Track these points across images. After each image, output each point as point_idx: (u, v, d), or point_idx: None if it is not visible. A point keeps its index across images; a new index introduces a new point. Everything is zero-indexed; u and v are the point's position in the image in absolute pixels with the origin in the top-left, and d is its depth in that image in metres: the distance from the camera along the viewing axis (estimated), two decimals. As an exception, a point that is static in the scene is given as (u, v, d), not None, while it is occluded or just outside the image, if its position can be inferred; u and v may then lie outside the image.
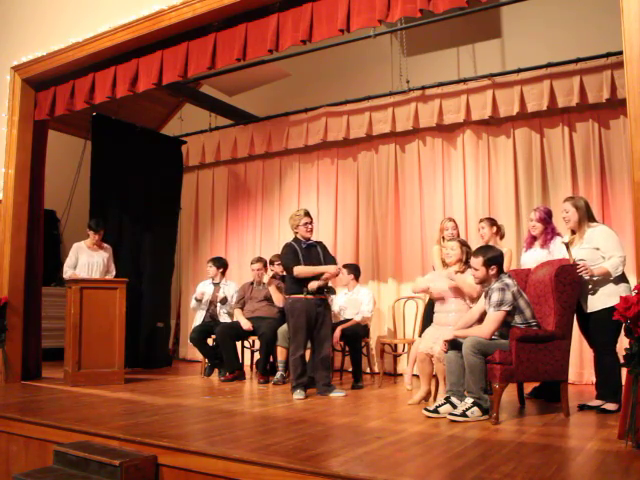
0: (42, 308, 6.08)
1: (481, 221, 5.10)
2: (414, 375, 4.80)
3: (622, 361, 3.04)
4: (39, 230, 6.03)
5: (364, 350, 5.83)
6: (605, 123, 5.70)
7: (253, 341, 6.38)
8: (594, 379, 4.22)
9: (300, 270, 4.81)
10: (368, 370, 6.04)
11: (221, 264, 6.53)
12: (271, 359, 5.98)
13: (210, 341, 6.11)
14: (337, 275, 5.14)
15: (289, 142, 7.36)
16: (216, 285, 6.43)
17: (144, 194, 7.11)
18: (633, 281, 3.21)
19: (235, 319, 6.12)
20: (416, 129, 6.57)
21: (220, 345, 5.89)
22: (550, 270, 3.94)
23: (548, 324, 3.87)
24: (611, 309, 3.67)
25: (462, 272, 4.38)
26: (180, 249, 8.12)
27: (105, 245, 6.08)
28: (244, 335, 6.05)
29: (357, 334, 5.60)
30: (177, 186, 7.68)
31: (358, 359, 5.55)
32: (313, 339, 4.92)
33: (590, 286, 4.01)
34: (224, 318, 6.26)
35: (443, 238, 5.18)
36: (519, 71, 5.93)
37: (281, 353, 5.62)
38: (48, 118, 5.94)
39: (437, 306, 4.48)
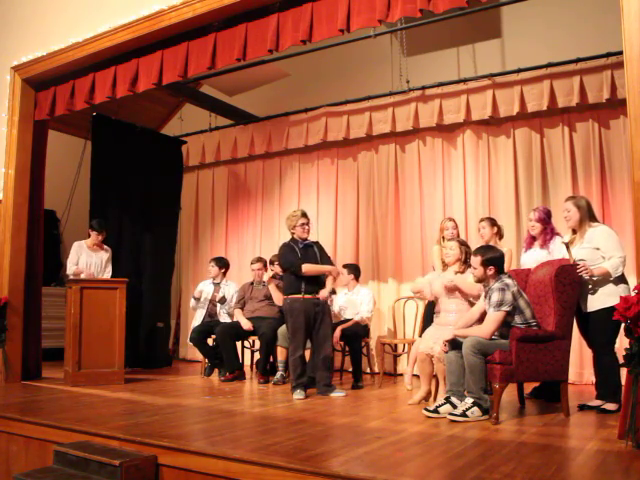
0: (42, 308, 6.08)
1: (482, 220, 5.10)
2: (414, 375, 4.79)
3: (622, 361, 3.04)
4: (39, 230, 6.03)
5: (364, 350, 5.83)
6: (605, 123, 5.70)
7: (253, 341, 6.38)
8: (594, 379, 4.22)
9: (308, 268, 4.82)
10: (368, 370, 6.04)
11: (223, 264, 6.54)
12: (271, 359, 5.98)
13: (210, 341, 6.11)
14: (337, 276, 5.15)
15: (289, 142, 7.36)
16: (216, 285, 6.43)
17: (144, 194, 7.11)
18: (633, 281, 3.21)
19: (235, 319, 6.12)
20: (416, 129, 6.57)
21: (220, 345, 5.89)
22: (550, 270, 3.94)
23: (548, 324, 3.87)
24: (610, 309, 3.67)
25: (462, 272, 4.39)
26: (180, 249, 8.12)
27: (105, 246, 6.08)
28: (244, 335, 6.05)
29: (357, 334, 5.60)
30: (177, 186, 7.68)
31: (358, 359, 5.55)
32: (313, 339, 4.92)
33: (590, 286, 4.01)
34: (224, 318, 6.27)
35: (443, 238, 5.18)
36: (519, 71, 5.93)
37: (281, 353, 5.62)
38: (48, 118, 5.94)
39: (437, 306, 4.48)
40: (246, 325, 5.89)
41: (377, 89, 6.67)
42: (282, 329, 5.59)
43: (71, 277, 5.75)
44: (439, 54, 6.62)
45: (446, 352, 3.93)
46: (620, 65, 4.46)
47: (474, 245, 4.61)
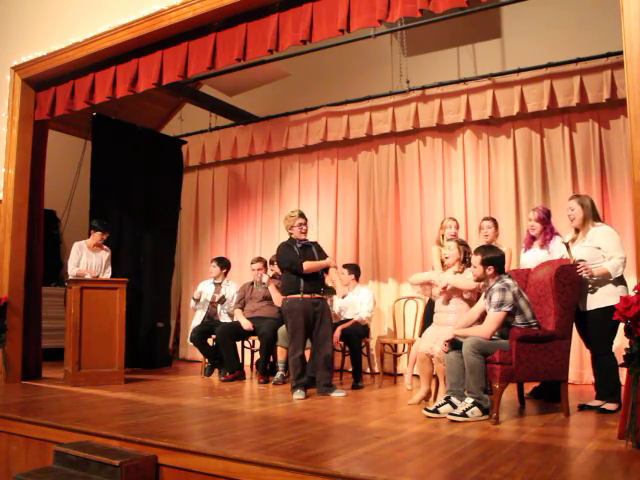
0: (42, 308, 6.08)
1: (486, 220, 5.09)
2: (414, 375, 4.80)
3: (622, 361, 3.04)
4: (39, 230, 6.03)
5: (364, 350, 5.83)
6: (605, 123, 5.70)
7: (253, 341, 6.38)
8: (594, 379, 4.22)
9: (309, 265, 4.82)
10: (368, 370, 6.04)
11: (224, 264, 6.54)
12: (271, 359, 5.98)
13: (210, 341, 6.11)
14: (335, 267, 5.13)
15: (289, 142, 7.36)
16: (217, 285, 6.43)
17: (144, 194, 7.11)
18: (633, 281, 3.21)
19: (235, 319, 6.12)
20: (416, 129, 6.57)
21: (220, 345, 5.89)
22: (550, 270, 3.95)
23: (548, 324, 3.87)
24: (608, 309, 3.68)
25: (461, 272, 4.39)
26: (180, 249, 8.12)
27: (105, 247, 6.08)
28: (244, 335, 6.05)
29: (357, 334, 5.60)
30: (177, 186, 7.68)
31: (358, 359, 5.55)
32: (312, 339, 4.92)
33: (589, 285, 4.01)
34: (224, 318, 6.27)
35: (442, 237, 5.18)
36: (519, 71, 5.93)
37: (281, 353, 5.62)
38: (48, 118, 5.94)
39: (437, 306, 4.48)
40: (246, 325, 5.89)
41: (377, 89, 6.67)
42: (282, 329, 5.59)
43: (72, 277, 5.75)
44: (439, 54, 6.62)
45: (446, 352, 3.93)
46: (620, 65, 4.46)
47: (474, 245, 4.61)
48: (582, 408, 4.06)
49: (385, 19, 3.98)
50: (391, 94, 6.57)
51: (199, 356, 6.71)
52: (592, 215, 4.12)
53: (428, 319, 4.91)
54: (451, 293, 4.35)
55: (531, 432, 3.39)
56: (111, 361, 5.41)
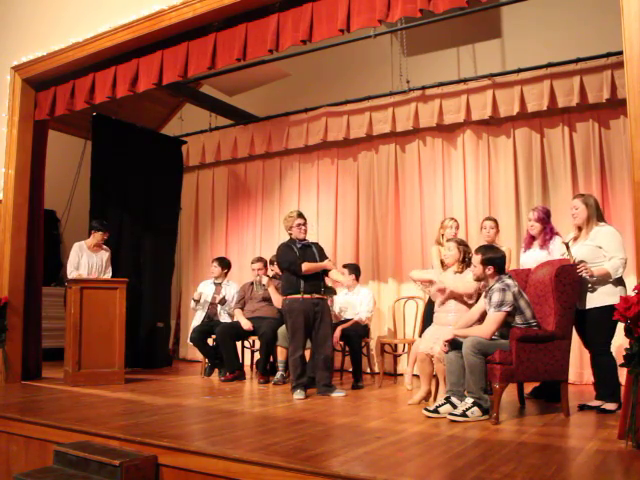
0: (42, 308, 6.08)
1: (489, 220, 5.09)
2: (414, 375, 4.80)
3: (622, 361, 3.04)
4: (39, 230, 6.03)
5: (364, 350, 5.83)
6: (605, 123, 5.70)
7: (253, 341, 6.38)
8: (593, 379, 4.22)
9: (307, 266, 4.82)
10: (368, 370, 6.04)
11: (225, 264, 6.55)
12: (271, 359, 5.98)
13: (210, 341, 6.10)
14: (334, 267, 5.12)
15: (289, 142, 7.36)
16: (217, 285, 6.43)
17: (144, 194, 7.11)
18: (633, 281, 3.21)
19: (235, 319, 6.12)
20: (416, 129, 6.57)
21: (220, 345, 5.89)
22: (550, 270, 3.95)
23: (548, 324, 3.87)
24: (607, 308, 3.69)
25: (460, 272, 4.39)
26: (180, 249, 8.12)
27: (104, 246, 6.08)
28: (244, 335, 6.05)
29: (357, 334, 5.59)
30: (177, 186, 7.68)
31: (358, 359, 5.55)
32: (312, 339, 4.92)
33: (589, 285, 4.01)
34: (224, 318, 6.27)
35: (442, 236, 5.18)
36: (519, 71, 5.93)
37: (281, 353, 5.62)
38: (48, 118, 5.94)
39: (437, 306, 4.48)
40: (246, 325, 5.89)
41: (377, 89, 6.67)
42: (282, 329, 5.59)
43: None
44: (439, 54, 6.62)
45: (446, 352, 3.93)
46: (620, 65, 4.46)
47: (474, 245, 4.61)
48: (582, 408, 4.06)
49: (385, 19, 3.98)
50: (391, 94, 6.57)
51: (199, 356, 6.71)
52: (596, 215, 4.11)
53: (428, 319, 4.91)
54: (450, 295, 4.35)
55: (531, 432, 3.39)
56: (111, 361, 5.41)
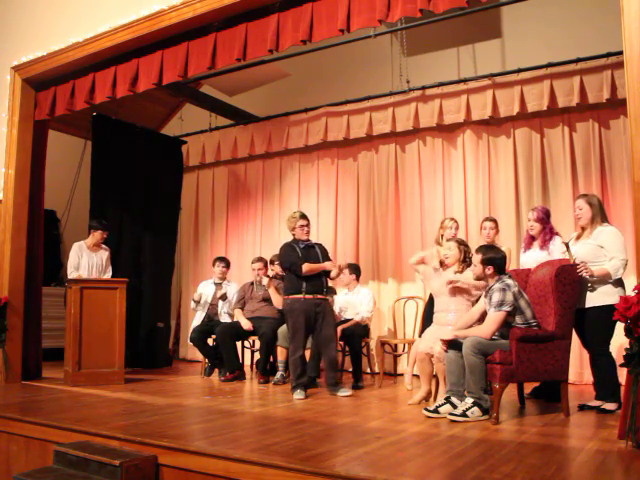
0: (42, 308, 6.08)
1: (489, 220, 5.09)
2: (414, 375, 4.79)
3: (622, 361, 3.04)
4: (39, 230, 6.03)
5: (364, 350, 5.83)
6: (605, 123, 5.70)
7: (253, 341, 6.38)
8: (593, 380, 4.22)
9: (308, 267, 4.82)
10: (368, 370, 6.04)
11: (228, 264, 6.56)
12: (271, 359, 5.98)
13: (210, 341, 6.10)
14: (337, 272, 5.08)
15: (289, 142, 7.36)
16: (217, 285, 6.43)
17: (144, 194, 7.11)
18: (633, 281, 3.21)
19: (235, 319, 6.12)
20: (416, 129, 6.57)
21: (220, 345, 5.89)
22: (550, 270, 3.95)
23: (548, 324, 3.87)
24: (606, 308, 3.69)
25: (461, 272, 4.39)
26: (180, 249, 8.12)
27: (104, 246, 6.08)
28: (244, 335, 6.05)
29: (357, 334, 5.59)
30: (177, 186, 7.68)
31: (358, 359, 5.55)
32: (314, 339, 4.92)
33: (589, 284, 4.01)
34: (224, 318, 6.26)
35: (442, 237, 5.17)
36: (519, 71, 5.93)
37: (281, 353, 5.62)
38: (48, 118, 5.94)
39: (437, 305, 4.48)
40: (246, 325, 5.89)
41: (377, 89, 6.67)
42: (282, 329, 5.59)
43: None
44: (439, 54, 6.62)
45: (446, 351, 3.93)
46: (620, 65, 4.46)
47: (474, 245, 4.61)
48: (582, 408, 4.06)
49: (385, 19, 3.98)
50: (391, 94, 6.57)
51: (199, 356, 6.71)
52: (600, 215, 4.11)
53: (428, 319, 4.91)
54: (457, 291, 4.34)
55: (531, 432, 3.39)
56: (111, 361, 5.41)
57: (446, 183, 6.46)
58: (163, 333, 7.26)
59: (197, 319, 6.37)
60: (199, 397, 4.88)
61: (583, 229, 4.19)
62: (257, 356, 6.28)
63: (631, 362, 2.96)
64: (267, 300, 6.02)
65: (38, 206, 6.05)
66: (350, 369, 5.74)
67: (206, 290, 6.42)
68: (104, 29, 5.20)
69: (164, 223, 7.34)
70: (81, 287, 5.38)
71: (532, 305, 3.93)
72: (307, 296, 4.81)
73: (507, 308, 3.76)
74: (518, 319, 3.82)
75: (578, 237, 4.22)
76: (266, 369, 5.81)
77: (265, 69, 6.46)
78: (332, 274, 4.97)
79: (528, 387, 4.53)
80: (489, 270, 3.92)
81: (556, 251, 4.37)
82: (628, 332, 3.01)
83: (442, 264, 4.59)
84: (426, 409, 3.85)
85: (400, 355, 6.18)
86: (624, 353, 3.02)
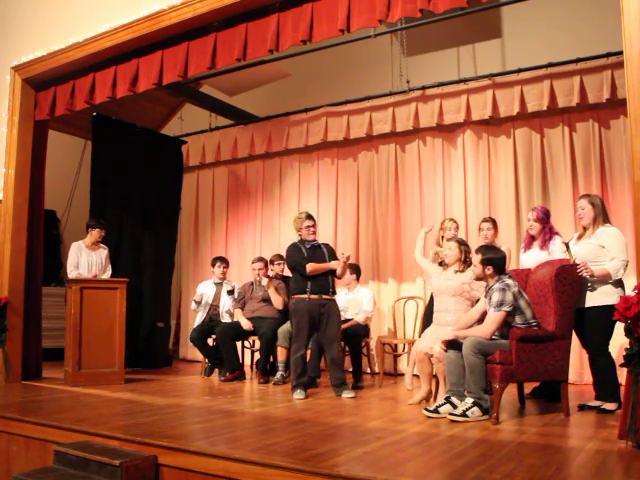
0: (42, 308, 6.08)
1: (486, 221, 5.09)
2: (415, 375, 4.79)
3: (622, 361, 3.04)
4: (39, 230, 6.03)
5: (364, 350, 5.83)
6: (605, 123, 5.70)
7: (253, 341, 6.38)
8: (592, 380, 4.22)
9: (312, 267, 4.82)
10: (368, 370, 6.04)
11: (228, 263, 6.56)
12: (271, 359, 5.98)
13: (210, 341, 6.10)
14: (342, 269, 5.05)
15: (289, 142, 7.36)
16: (218, 285, 6.43)
17: (144, 194, 7.12)
18: (633, 281, 3.21)
19: (235, 319, 6.12)
20: (416, 129, 6.57)
21: (220, 345, 5.89)
22: (550, 270, 3.95)
23: (548, 324, 3.87)
24: (606, 308, 3.69)
25: (461, 271, 4.39)
26: (180, 249, 8.12)
27: (102, 245, 6.08)
28: (244, 335, 6.05)
29: (357, 334, 5.59)
30: (177, 186, 7.68)
31: (358, 359, 5.55)
32: (319, 340, 4.91)
33: (589, 284, 4.01)
34: (225, 318, 6.26)
35: (442, 238, 5.17)
36: (519, 71, 5.93)
37: (281, 353, 5.62)
38: (48, 118, 5.94)
39: (437, 305, 4.48)
40: (246, 325, 5.88)
41: (377, 89, 6.67)
42: (282, 329, 5.59)
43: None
44: (439, 54, 6.62)
45: (445, 351, 3.93)
46: (620, 65, 4.46)
47: (474, 245, 4.61)
48: (582, 408, 4.06)
49: (385, 19, 3.98)
50: (391, 94, 6.57)
51: (199, 356, 6.71)
52: (602, 215, 4.11)
53: (429, 319, 4.91)
54: (457, 291, 4.34)
55: (531, 432, 3.39)
56: (111, 361, 5.41)
57: (446, 183, 6.46)
58: (163, 333, 7.26)
59: (198, 319, 6.36)
60: (199, 397, 4.88)
61: (585, 229, 4.19)
62: (257, 356, 6.28)
63: (631, 362, 2.96)
64: (267, 300, 6.02)
65: (38, 206, 6.05)
66: (350, 369, 5.73)
67: (206, 290, 6.42)
68: (104, 29, 5.20)
69: (164, 223, 7.34)
70: (81, 287, 5.38)
71: (532, 305, 3.93)
72: (312, 296, 4.80)
73: (507, 308, 3.76)
74: (518, 319, 3.82)
75: (579, 237, 4.22)
76: (266, 369, 5.81)
77: (265, 69, 6.46)
78: (337, 272, 4.96)
79: (528, 387, 4.53)
80: (489, 270, 3.92)
81: (556, 251, 4.37)
82: (628, 332, 3.01)
83: (442, 264, 4.59)
84: (426, 409, 3.85)
85: (400, 355, 6.18)
86: (624, 353, 3.02)
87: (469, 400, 3.69)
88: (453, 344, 3.87)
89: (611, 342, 4.02)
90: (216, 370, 6.08)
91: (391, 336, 6.33)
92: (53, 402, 4.52)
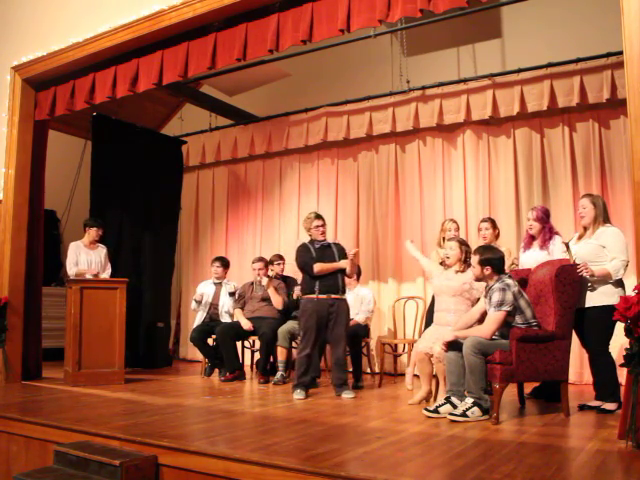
0: (42, 308, 6.08)
1: (485, 221, 5.09)
2: (415, 375, 4.79)
3: (622, 361, 3.04)
4: (39, 230, 6.03)
5: (364, 350, 5.83)
6: (605, 123, 5.70)
7: (253, 341, 6.38)
8: (592, 380, 4.22)
9: (320, 267, 4.82)
10: (368, 370, 6.04)
11: (226, 264, 6.56)
12: (271, 359, 5.98)
13: (210, 341, 6.10)
14: (351, 268, 5.00)
15: (289, 142, 7.36)
16: (218, 285, 6.43)
17: (144, 194, 7.11)
18: (633, 281, 3.21)
19: (235, 319, 6.12)
20: (416, 129, 6.57)
21: (220, 345, 5.89)
22: (550, 270, 3.95)
23: (548, 324, 3.87)
24: (606, 308, 3.69)
25: (462, 271, 4.39)
26: (180, 249, 8.12)
27: (100, 244, 6.09)
28: (244, 335, 6.05)
29: (357, 334, 5.59)
30: (177, 186, 7.68)
31: (358, 359, 5.55)
32: (327, 339, 4.91)
33: (589, 284, 4.01)
34: (225, 318, 6.26)
35: (443, 239, 5.17)
36: (519, 71, 5.93)
37: (281, 353, 5.62)
38: (48, 118, 5.94)
39: (437, 305, 4.48)
40: (246, 325, 5.89)
41: (377, 89, 6.67)
42: (282, 329, 5.59)
43: (72, 277, 5.75)
44: (439, 54, 6.62)
45: (446, 352, 3.93)
46: (620, 65, 4.46)
47: (474, 245, 4.61)
48: (582, 408, 4.06)
49: (385, 19, 3.98)
50: (391, 94, 6.57)
51: (199, 356, 6.71)
52: (603, 216, 4.11)
53: (430, 319, 4.90)
54: (458, 291, 4.34)
55: (531, 432, 3.39)
56: (111, 361, 5.41)
57: (446, 183, 6.46)
58: (163, 333, 7.26)
59: (198, 319, 6.37)
60: (199, 397, 4.88)
61: (585, 229, 4.19)
62: (257, 356, 6.28)
63: (631, 362, 2.96)
64: (267, 300, 6.02)
65: (38, 206, 6.05)
66: (350, 369, 5.73)
67: (206, 290, 6.42)
68: (104, 29, 5.20)
69: (164, 223, 7.34)
70: (81, 287, 5.38)
71: (532, 305, 3.93)
72: (320, 296, 4.80)
73: (507, 308, 3.76)
74: (518, 319, 3.82)
75: (580, 237, 4.22)
76: (266, 369, 5.81)
77: (265, 69, 6.46)
78: (347, 271, 4.96)
79: (528, 387, 4.53)
80: (487, 270, 3.92)
81: (556, 251, 4.37)
82: (628, 332, 3.01)
83: (443, 264, 4.59)
84: (426, 409, 3.85)
85: (400, 355, 6.18)
86: (624, 353, 3.02)
87: (469, 400, 3.69)
88: (453, 344, 3.87)
89: (611, 342, 4.02)
90: (216, 370, 6.08)
91: (391, 336, 6.33)
92: (53, 402, 4.52)
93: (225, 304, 6.31)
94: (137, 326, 6.76)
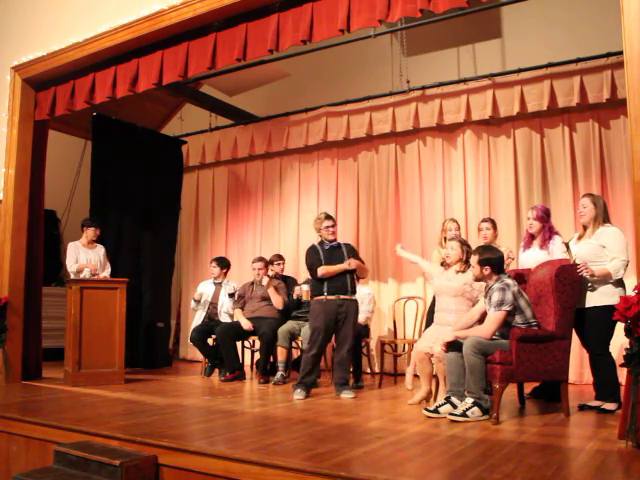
0: (42, 308, 6.08)
1: (485, 221, 5.09)
2: (415, 375, 4.79)
3: (622, 361, 3.04)
4: (39, 230, 6.03)
5: (364, 350, 5.83)
6: (605, 123, 5.71)
7: (253, 341, 6.38)
8: (592, 380, 4.22)
9: (324, 270, 4.82)
10: (368, 370, 6.04)
11: (225, 264, 6.54)
12: (271, 359, 5.98)
13: (210, 341, 6.10)
14: (360, 271, 5.01)
15: (289, 142, 7.36)
16: (217, 285, 6.43)
17: (144, 194, 7.12)
18: (633, 281, 3.21)
19: (235, 319, 6.12)
20: (416, 129, 6.57)
21: (220, 345, 5.89)
22: (550, 270, 3.95)
23: (548, 324, 3.87)
24: (606, 308, 3.69)
25: (463, 271, 4.39)
26: (180, 249, 8.12)
27: (98, 244, 6.10)
28: (244, 335, 6.05)
29: (357, 334, 5.57)
30: (177, 186, 7.68)
31: (358, 359, 5.54)
32: (335, 339, 4.91)
33: (589, 284, 4.01)
34: (224, 318, 6.26)
35: (445, 239, 5.17)
36: (519, 71, 5.93)
37: (281, 353, 5.62)
38: (48, 118, 5.94)
39: (438, 305, 4.48)
40: (246, 325, 5.89)
41: (377, 89, 6.68)
42: (282, 329, 5.59)
43: (73, 276, 5.75)
44: (439, 54, 6.62)
45: (446, 352, 3.93)
46: (620, 65, 4.46)
47: (474, 245, 4.61)
48: (582, 408, 4.06)
49: (385, 19, 3.98)
50: (391, 94, 6.57)
51: (199, 356, 6.71)
52: (603, 216, 4.11)
53: (431, 319, 4.90)
54: (458, 291, 4.35)
55: (531, 432, 3.39)
56: (111, 361, 5.41)
57: (446, 183, 6.46)
58: (163, 333, 7.26)
59: (197, 319, 6.37)
60: (199, 397, 4.88)
61: (585, 228, 4.19)
62: (257, 356, 6.28)
63: (631, 362, 2.96)
64: (267, 300, 6.02)
65: (38, 206, 6.05)
66: (350, 369, 5.73)
67: (206, 290, 6.42)
68: (104, 29, 5.20)
69: (164, 223, 7.34)
70: (81, 287, 5.38)
71: (532, 305, 3.93)
72: (329, 297, 4.79)
73: (507, 308, 3.76)
74: (518, 319, 3.82)
75: (580, 237, 4.22)
76: (266, 369, 5.80)
77: (265, 69, 6.46)
78: (357, 273, 4.96)
79: (528, 387, 4.53)
80: (486, 270, 3.91)
81: (556, 250, 4.37)
82: (628, 332, 3.01)
83: (443, 264, 4.59)
84: (426, 409, 3.85)
85: (400, 355, 6.18)
86: (624, 353, 3.02)
87: (469, 400, 3.69)
88: (453, 344, 3.87)
89: (611, 342, 4.02)
90: (216, 370, 6.08)
91: (391, 336, 6.32)
92: (53, 402, 4.52)
93: (224, 304, 6.31)
94: (137, 326, 6.76)
